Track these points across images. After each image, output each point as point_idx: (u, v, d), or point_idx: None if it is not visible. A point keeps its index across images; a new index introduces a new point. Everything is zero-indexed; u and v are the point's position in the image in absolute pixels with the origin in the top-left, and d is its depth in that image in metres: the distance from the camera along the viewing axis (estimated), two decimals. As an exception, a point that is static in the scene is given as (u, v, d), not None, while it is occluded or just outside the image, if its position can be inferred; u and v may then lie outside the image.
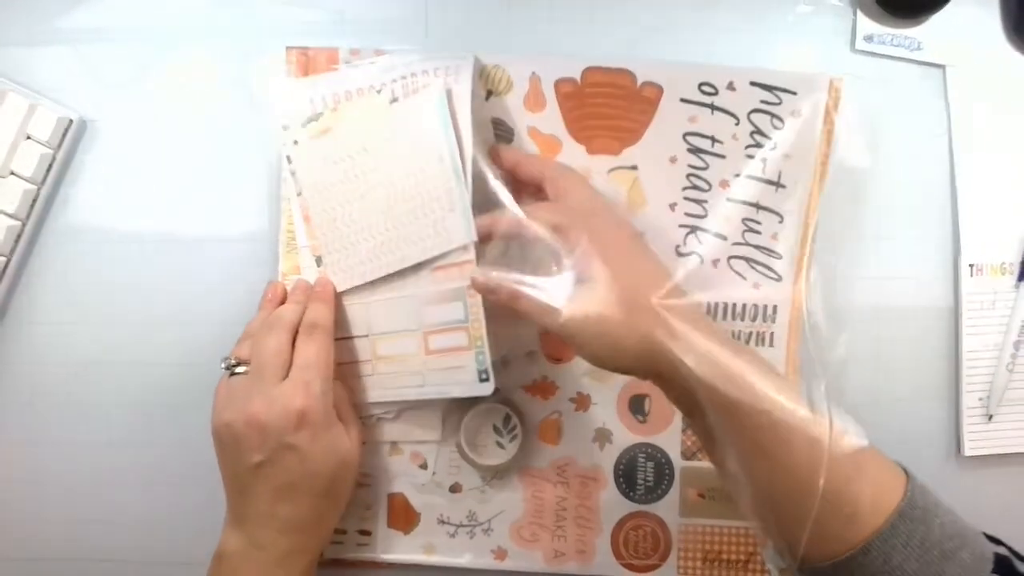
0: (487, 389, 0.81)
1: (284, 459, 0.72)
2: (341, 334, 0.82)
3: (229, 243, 0.86)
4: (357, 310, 0.82)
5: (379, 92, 0.81)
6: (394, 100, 0.81)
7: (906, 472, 0.67)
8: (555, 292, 0.70)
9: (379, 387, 0.83)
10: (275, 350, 0.75)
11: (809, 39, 0.89)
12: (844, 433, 0.66)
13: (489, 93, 0.84)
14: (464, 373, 0.81)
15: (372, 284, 0.82)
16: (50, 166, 0.83)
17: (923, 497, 0.65)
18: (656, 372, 0.69)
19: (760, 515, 0.69)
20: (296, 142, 0.82)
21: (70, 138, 0.84)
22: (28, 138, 0.82)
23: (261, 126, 0.85)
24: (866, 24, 0.89)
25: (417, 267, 0.80)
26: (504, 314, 0.75)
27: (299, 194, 0.83)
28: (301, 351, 0.75)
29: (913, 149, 0.89)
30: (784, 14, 0.89)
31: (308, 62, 0.84)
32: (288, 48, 0.84)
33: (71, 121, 0.84)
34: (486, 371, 0.80)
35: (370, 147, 0.81)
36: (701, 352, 0.66)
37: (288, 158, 0.83)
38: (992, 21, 0.90)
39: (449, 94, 0.79)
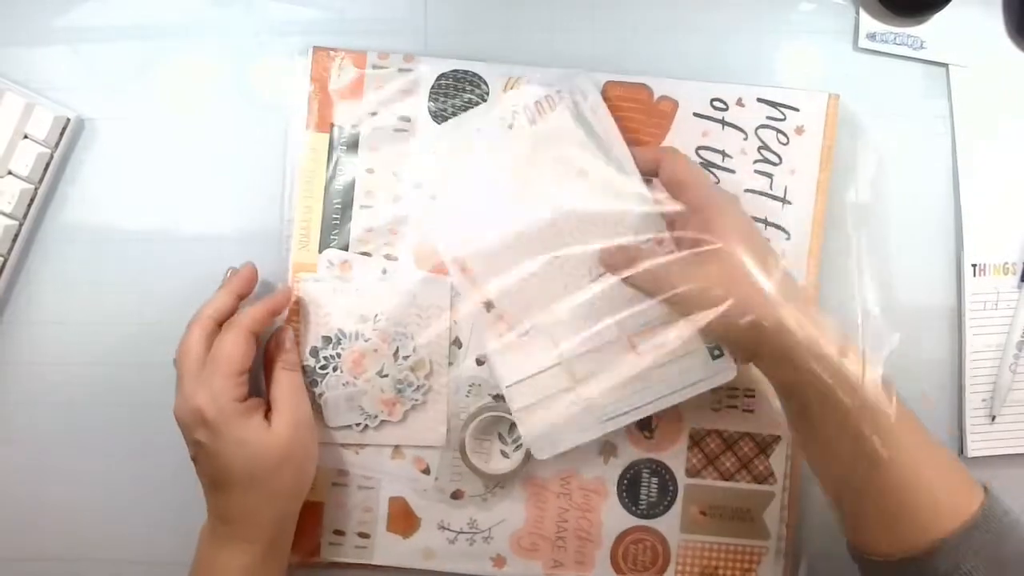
0: (724, 366, 0.82)
1: (199, 455, 0.76)
2: (532, 372, 0.83)
3: (228, 242, 0.86)
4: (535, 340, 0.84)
5: (510, 127, 0.84)
6: (533, 123, 0.84)
7: (985, 488, 0.70)
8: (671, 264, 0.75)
9: (591, 414, 0.83)
10: (187, 346, 0.76)
11: (812, 38, 0.90)
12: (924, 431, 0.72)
13: (512, 103, 0.86)
14: (694, 359, 0.82)
15: (547, 308, 0.83)
16: (47, 165, 0.84)
17: (1001, 510, 0.68)
18: (759, 351, 0.73)
19: (836, 497, 0.75)
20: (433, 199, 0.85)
21: (67, 137, 0.84)
22: (25, 137, 0.83)
23: (261, 125, 0.86)
24: (869, 23, 0.90)
25: (594, 280, 0.83)
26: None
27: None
28: (213, 346, 0.76)
29: (916, 148, 0.90)
30: (787, 13, 0.90)
31: (335, 63, 0.85)
32: (315, 48, 0.85)
33: (68, 120, 0.84)
34: (718, 348, 0.82)
35: (520, 179, 0.84)
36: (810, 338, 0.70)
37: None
38: (995, 20, 0.91)
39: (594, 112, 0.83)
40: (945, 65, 0.90)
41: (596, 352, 0.82)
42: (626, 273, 0.76)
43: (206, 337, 0.76)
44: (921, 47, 0.90)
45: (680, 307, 0.73)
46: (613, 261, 0.79)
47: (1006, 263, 0.89)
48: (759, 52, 0.89)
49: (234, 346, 0.75)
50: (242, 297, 0.81)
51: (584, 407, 0.82)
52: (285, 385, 0.79)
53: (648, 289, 0.75)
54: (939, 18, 0.90)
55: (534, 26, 0.88)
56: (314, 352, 0.84)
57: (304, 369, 0.84)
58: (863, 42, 0.89)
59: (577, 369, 0.82)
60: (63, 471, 0.87)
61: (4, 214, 0.82)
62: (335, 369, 0.84)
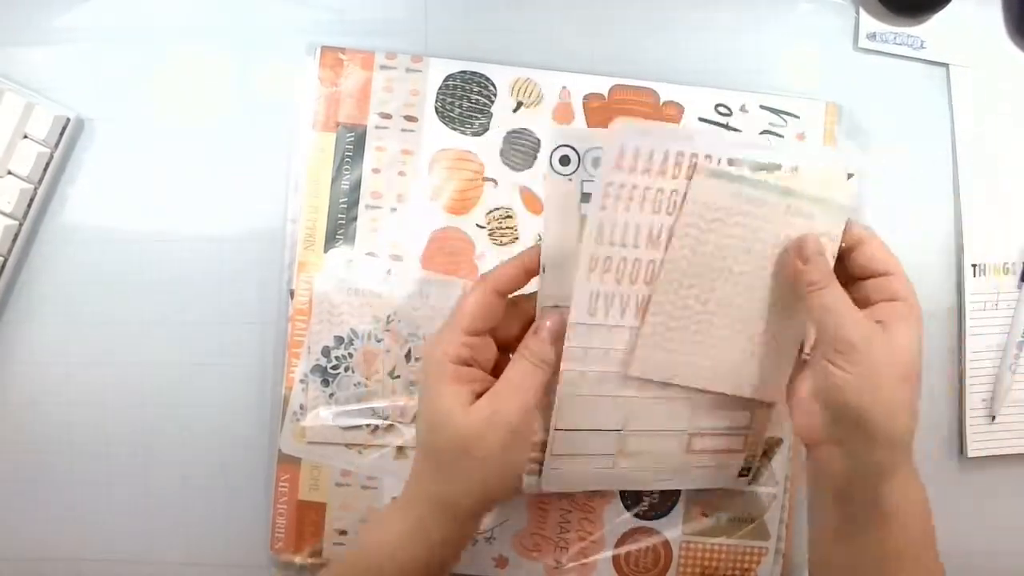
0: (741, 484, 0.89)
1: None
2: (589, 426, 0.78)
3: (228, 242, 0.90)
4: (608, 403, 0.78)
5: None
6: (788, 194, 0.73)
7: None
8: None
9: (617, 480, 0.85)
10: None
11: (812, 38, 0.95)
12: None
13: (519, 104, 0.90)
14: (726, 471, 0.87)
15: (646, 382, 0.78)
16: (47, 165, 0.87)
17: None
18: (846, 444, 0.71)
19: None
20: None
21: (67, 137, 0.88)
22: (25, 137, 0.86)
23: (261, 124, 0.90)
24: (869, 22, 0.94)
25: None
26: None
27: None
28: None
29: (916, 148, 0.95)
30: (787, 13, 0.94)
31: (343, 63, 0.90)
32: (323, 48, 0.90)
33: (68, 120, 0.87)
34: (748, 468, 0.87)
35: (745, 240, 0.74)
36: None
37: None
38: (995, 19, 0.96)
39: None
40: (945, 65, 0.95)
41: (653, 436, 0.81)
42: (815, 282, 0.71)
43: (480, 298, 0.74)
44: (921, 47, 0.94)
45: (834, 347, 0.69)
46: (810, 255, 0.72)
47: (1006, 263, 0.94)
48: (759, 52, 0.94)
49: (470, 302, 0.73)
50: (531, 273, 0.75)
51: (612, 472, 0.82)
52: (512, 374, 0.73)
53: (820, 312, 0.71)
54: (939, 18, 0.94)
55: (535, 28, 0.93)
56: (326, 352, 0.88)
57: (316, 368, 0.88)
58: (863, 42, 0.94)
59: (629, 444, 0.80)
60: (63, 471, 0.90)
61: (4, 214, 0.86)
62: (347, 369, 0.88)
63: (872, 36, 0.94)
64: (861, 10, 0.94)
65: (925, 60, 0.95)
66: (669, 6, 0.93)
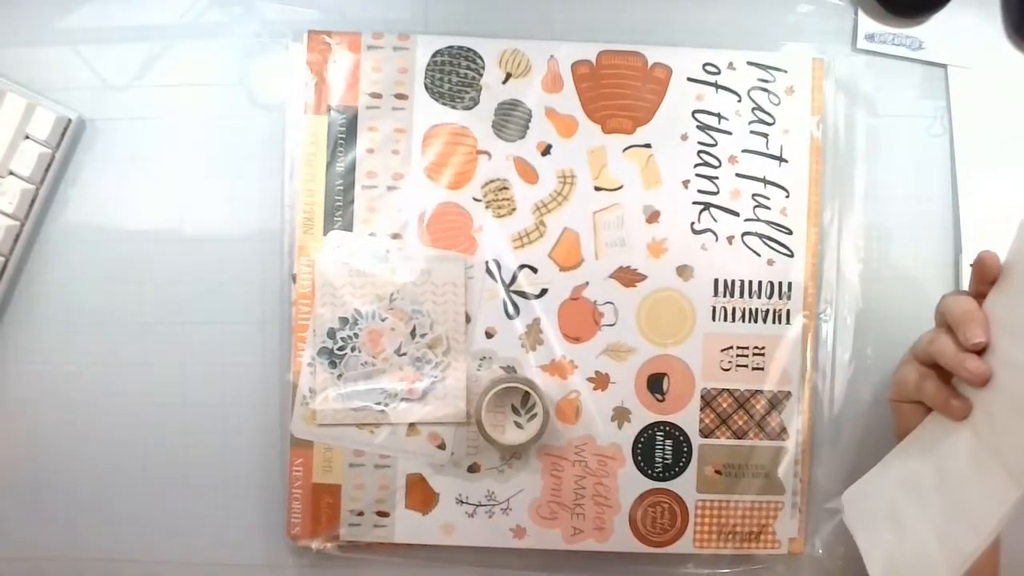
0: None
1: None
2: None
3: (229, 242, 0.92)
4: None
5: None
6: None
7: None
8: None
9: None
10: None
11: (811, 38, 0.95)
12: None
13: (508, 76, 0.92)
14: None
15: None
16: (49, 165, 0.89)
17: None
18: None
19: None
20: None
21: (69, 137, 0.89)
22: (27, 138, 0.88)
23: (262, 124, 0.92)
24: (867, 23, 0.95)
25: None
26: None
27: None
28: None
29: (915, 148, 0.95)
30: (785, 14, 0.95)
31: (330, 46, 0.91)
32: (310, 32, 0.91)
33: (70, 120, 0.89)
34: None
35: None
36: None
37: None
38: (994, 20, 0.96)
39: None
40: (944, 65, 0.95)
41: None
42: None
43: None
44: (919, 47, 0.95)
45: None
46: None
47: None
48: (758, 53, 0.94)
49: None
50: None
51: None
52: None
53: None
54: (937, 19, 0.95)
55: (534, 23, 0.94)
56: (331, 333, 0.89)
57: (323, 351, 0.90)
58: (862, 43, 0.95)
59: None
60: (64, 471, 0.92)
61: (5, 214, 0.87)
62: (353, 349, 0.90)
63: (870, 37, 0.95)
64: (859, 11, 0.95)
65: (923, 61, 0.95)
66: (669, 5, 0.95)
